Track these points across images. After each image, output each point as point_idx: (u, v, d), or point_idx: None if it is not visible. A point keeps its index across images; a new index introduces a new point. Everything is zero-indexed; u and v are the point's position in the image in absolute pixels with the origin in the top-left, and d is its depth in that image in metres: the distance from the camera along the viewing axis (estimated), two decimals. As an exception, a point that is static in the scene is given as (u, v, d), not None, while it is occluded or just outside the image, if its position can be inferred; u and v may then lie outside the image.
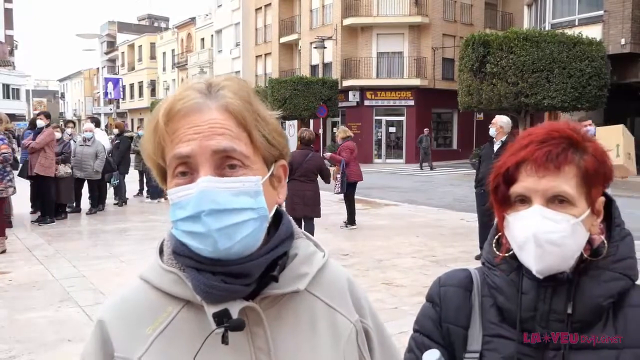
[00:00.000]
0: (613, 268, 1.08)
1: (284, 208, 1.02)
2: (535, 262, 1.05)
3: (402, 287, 6.21)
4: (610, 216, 1.15)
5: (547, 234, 1.03)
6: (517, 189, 1.07)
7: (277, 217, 0.98)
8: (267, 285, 0.93)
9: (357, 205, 13.33)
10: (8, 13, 53.56)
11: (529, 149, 1.06)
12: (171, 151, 0.89)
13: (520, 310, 1.10)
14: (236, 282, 0.89)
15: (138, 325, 0.93)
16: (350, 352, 1.02)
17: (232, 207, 0.86)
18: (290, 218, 1.02)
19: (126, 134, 13.49)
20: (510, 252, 1.13)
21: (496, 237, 1.19)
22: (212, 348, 0.89)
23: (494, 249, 1.18)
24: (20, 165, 10.69)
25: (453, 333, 1.18)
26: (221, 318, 0.87)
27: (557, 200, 1.04)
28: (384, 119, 31.71)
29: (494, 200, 1.13)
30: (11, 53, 54.86)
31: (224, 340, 0.87)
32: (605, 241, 1.11)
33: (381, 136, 32.00)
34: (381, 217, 11.71)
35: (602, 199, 1.11)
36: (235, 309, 0.88)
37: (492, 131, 7.30)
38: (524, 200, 1.07)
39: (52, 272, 6.83)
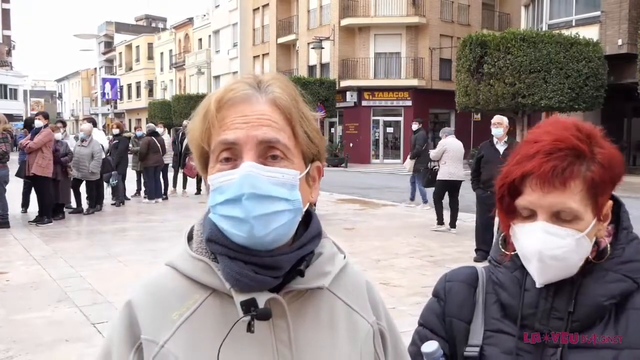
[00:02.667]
0: (617, 269, 1.08)
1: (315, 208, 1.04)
2: (538, 276, 1.07)
3: (400, 287, 6.21)
4: (618, 218, 1.15)
5: (551, 250, 1.04)
6: (522, 202, 1.07)
7: (307, 215, 1.01)
8: (293, 280, 0.96)
9: (355, 205, 13.39)
10: (5, 13, 53.50)
11: (535, 161, 1.05)
12: (218, 137, 0.93)
13: (522, 307, 1.11)
14: (266, 274, 0.92)
15: (165, 309, 0.95)
16: (366, 352, 1.04)
17: (271, 194, 0.90)
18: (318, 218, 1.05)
19: (125, 134, 13.47)
20: (516, 251, 1.14)
21: (502, 235, 1.20)
22: (237, 336, 0.92)
23: (501, 247, 1.19)
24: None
25: (455, 326, 1.19)
26: (249, 307, 0.89)
27: (562, 215, 1.04)
28: (382, 119, 31.74)
29: (499, 209, 1.13)
30: (8, 53, 54.78)
31: (250, 328, 0.90)
32: (610, 244, 1.11)
33: (379, 136, 32.03)
34: (379, 217, 11.73)
35: (609, 202, 1.11)
36: (262, 299, 0.91)
37: (499, 131, 7.27)
38: (530, 212, 1.07)
39: (49, 272, 6.82)
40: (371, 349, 1.06)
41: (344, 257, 1.07)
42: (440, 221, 10.04)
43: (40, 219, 10.15)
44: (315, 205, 1.03)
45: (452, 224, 9.89)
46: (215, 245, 0.94)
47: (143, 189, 14.25)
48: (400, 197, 15.09)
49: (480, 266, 1.26)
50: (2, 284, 6.38)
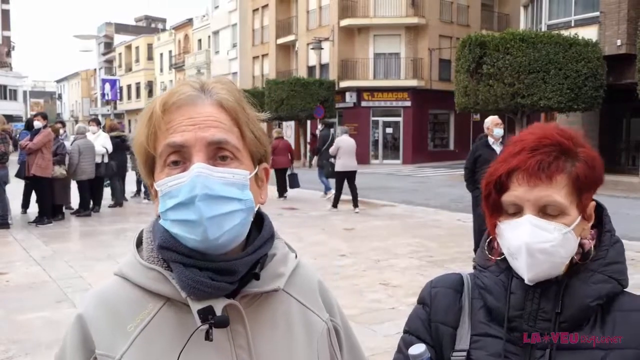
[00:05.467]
0: (602, 271, 1.10)
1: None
2: (527, 270, 1.07)
3: (399, 287, 6.22)
4: (600, 222, 1.17)
5: (539, 244, 1.05)
6: (508, 197, 1.08)
7: (259, 218, 1.02)
8: (248, 284, 0.95)
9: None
10: (5, 14, 53.47)
11: (520, 157, 1.07)
12: (165, 140, 0.91)
13: (508, 309, 1.11)
14: (222, 279, 0.90)
15: (119, 321, 0.92)
16: (322, 349, 1.05)
17: (224, 194, 0.89)
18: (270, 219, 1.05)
19: (112, 133, 13.14)
20: (502, 256, 1.15)
21: (488, 240, 1.20)
22: (195, 346, 0.90)
23: (487, 252, 1.20)
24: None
25: (442, 332, 1.19)
26: (206, 315, 0.88)
27: (548, 209, 1.06)
28: (381, 119, 31.73)
29: (486, 207, 1.14)
30: (8, 54, 54.77)
31: (208, 337, 0.88)
32: (594, 247, 1.13)
33: (378, 137, 32.02)
34: (378, 217, 11.73)
35: (593, 203, 1.12)
36: (218, 306, 0.89)
37: (501, 132, 7.29)
38: (516, 208, 1.08)
39: (49, 273, 6.82)
40: (326, 346, 1.06)
41: (295, 256, 1.07)
42: (334, 205, 12.13)
43: (40, 220, 10.15)
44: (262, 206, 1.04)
45: (355, 204, 12.04)
46: (168, 252, 0.91)
47: (143, 189, 14.24)
48: (400, 197, 15.10)
49: (465, 273, 1.27)
50: (2, 284, 6.39)
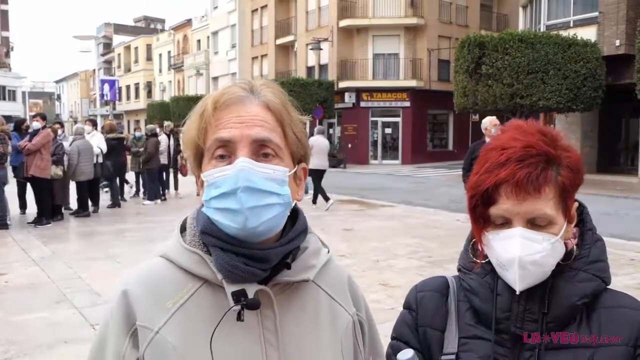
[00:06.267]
0: (586, 269, 1.10)
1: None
2: (518, 282, 1.07)
3: (399, 287, 6.21)
4: (581, 221, 1.17)
5: (530, 256, 1.05)
6: (497, 211, 1.07)
7: (294, 213, 1.08)
8: (280, 273, 1.02)
9: (353, 206, 13.41)
10: (4, 14, 53.44)
11: (507, 169, 1.05)
12: (214, 135, 0.99)
13: (496, 311, 1.11)
14: (256, 266, 0.98)
15: (160, 298, 1.00)
16: (347, 341, 1.11)
17: (264, 188, 0.96)
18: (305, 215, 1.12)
19: (110, 135, 13.09)
20: (487, 259, 1.14)
21: (472, 243, 1.20)
22: (227, 324, 0.98)
23: (470, 255, 1.20)
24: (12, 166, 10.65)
25: (429, 336, 1.19)
26: (239, 297, 0.95)
27: (537, 221, 1.06)
28: (380, 120, 31.74)
29: (472, 218, 1.13)
30: (7, 55, 54.73)
31: (240, 317, 0.96)
32: (576, 245, 1.13)
33: (377, 137, 32.03)
34: (377, 218, 11.73)
35: (575, 204, 1.13)
36: (251, 290, 0.97)
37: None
38: (504, 220, 1.08)
39: (48, 273, 6.81)
40: (351, 338, 1.13)
41: (328, 251, 1.15)
42: (326, 199, 12.75)
43: (38, 220, 10.14)
44: (315, 203, 1.09)
45: (314, 201, 12.96)
46: (209, 238, 1.00)
47: (142, 190, 14.22)
48: (399, 198, 15.10)
49: (450, 275, 1.27)
50: (1, 285, 6.38)
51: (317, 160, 12.59)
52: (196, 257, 1.01)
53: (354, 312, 1.15)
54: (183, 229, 1.07)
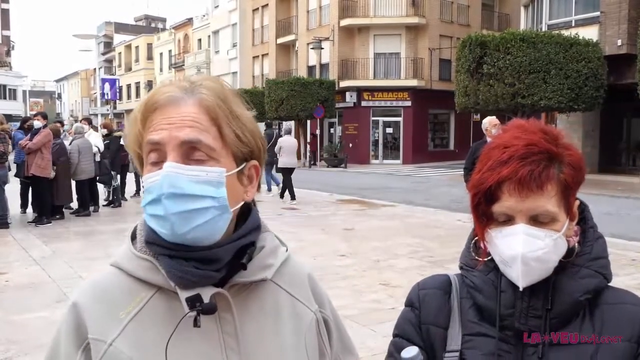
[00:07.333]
0: (589, 265, 1.11)
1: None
2: (521, 278, 1.08)
3: (400, 287, 6.20)
4: (583, 219, 1.18)
5: (533, 252, 1.06)
6: (500, 209, 1.08)
7: (248, 211, 1.05)
8: (236, 274, 0.99)
9: (354, 206, 13.41)
10: (4, 13, 53.47)
11: (510, 166, 1.06)
12: (145, 139, 0.96)
13: (500, 308, 1.11)
14: (208, 268, 0.94)
15: (112, 309, 0.96)
16: (310, 339, 1.08)
17: (192, 193, 0.92)
18: (259, 213, 1.08)
19: (115, 134, 13.22)
20: (490, 256, 1.15)
21: (474, 240, 1.21)
22: (184, 332, 0.94)
23: (472, 252, 1.20)
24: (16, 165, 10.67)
25: (433, 333, 1.19)
26: (194, 302, 0.92)
27: (540, 217, 1.06)
28: (381, 119, 31.73)
29: (475, 216, 1.14)
30: (8, 53, 54.77)
31: (196, 323, 0.92)
32: (578, 243, 1.14)
33: (378, 137, 32.03)
34: (378, 217, 11.72)
35: (577, 202, 1.14)
36: (206, 294, 0.93)
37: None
38: (507, 217, 1.08)
39: (48, 273, 6.81)
40: (315, 337, 1.10)
41: (286, 250, 1.11)
42: (292, 197, 13.37)
43: (39, 220, 10.15)
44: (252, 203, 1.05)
45: (281, 195, 13.70)
46: (154, 247, 0.97)
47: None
48: (400, 197, 15.10)
49: (452, 273, 1.27)
50: (1, 284, 6.38)
51: (287, 158, 13.51)
52: (147, 264, 0.97)
53: (316, 309, 1.12)
54: (134, 236, 1.04)
